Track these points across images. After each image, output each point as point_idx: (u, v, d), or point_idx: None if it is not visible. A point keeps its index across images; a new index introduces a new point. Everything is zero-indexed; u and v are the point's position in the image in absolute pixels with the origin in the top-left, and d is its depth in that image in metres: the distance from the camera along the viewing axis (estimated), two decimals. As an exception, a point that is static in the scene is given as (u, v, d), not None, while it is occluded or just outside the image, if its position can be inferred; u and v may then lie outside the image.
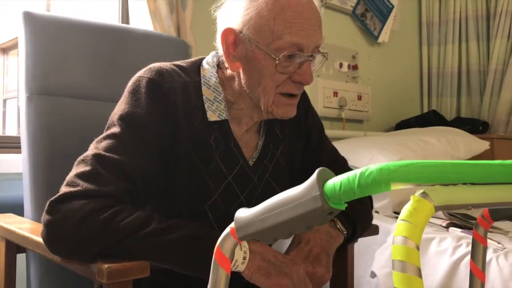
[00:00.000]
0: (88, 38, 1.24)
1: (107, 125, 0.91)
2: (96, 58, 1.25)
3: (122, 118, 0.88)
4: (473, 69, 3.02)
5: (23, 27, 1.16)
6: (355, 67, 2.66)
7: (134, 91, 0.91)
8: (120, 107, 0.91)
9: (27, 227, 0.99)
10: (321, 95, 2.43)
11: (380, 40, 2.78)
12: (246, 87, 0.92)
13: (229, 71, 0.95)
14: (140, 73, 0.94)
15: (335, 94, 2.50)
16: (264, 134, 1.02)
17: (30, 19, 1.16)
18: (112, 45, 1.28)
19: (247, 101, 0.95)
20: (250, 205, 0.53)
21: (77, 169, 0.83)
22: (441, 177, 0.42)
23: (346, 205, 0.45)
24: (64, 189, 0.81)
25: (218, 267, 0.53)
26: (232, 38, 0.91)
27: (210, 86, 0.95)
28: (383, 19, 2.77)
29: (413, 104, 3.16)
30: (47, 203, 0.79)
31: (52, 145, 1.15)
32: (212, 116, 0.93)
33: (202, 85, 0.95)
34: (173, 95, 0.90)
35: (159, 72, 0.92)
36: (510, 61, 2.83)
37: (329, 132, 2.44)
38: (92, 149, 0.86)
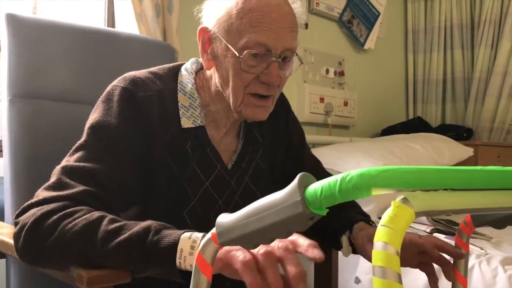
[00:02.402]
0: (72, 41, 1.23)
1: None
2: (80, 61, 1.24)
3: (92, 127, 0.89)
4: (457, 77, 3.05)
5: (5, 29, 1.14)
6: (341, 73, 2.67)
7: (107, 100, 0.91)
8: (92, 116, 0.91)
9: (7, 232, 0.97)
10: (307, 101, 2.44)
11: (366, 46, 2.81)
12: (219, 86, 0.94)
13: (208, 72, 0.96)
14: (114, 82, 0.94)
15: (322, 100, 2.51)
16: (244, 137, 1.02)
17: (13, 22, 1.14)
18: (97, 48, 1.27)
19: (223, 101, 0.95)
20: (229, 209, 0.53)
21: (45, 184, 0.84)
22: (421, 183, 0.42)
23: (327, 210, 0.44)
24: (26, 203, 0.81)
25: (199, 273, 0.52)
26: (207, 37, 0.92)
27: (186, 92, 0.96)
28: (370, 26, 2.79)
29: (399, 111, 3.18)
30: (17, 214, 0.80)
31: (35, 149, 1.13)
32: (186, 123, 0.94)
33: (178, 91, 0.96)
34: (147, 104, 0.91)
35: (133, 81, 0.92)
36: (494, 69, 2.87)
37: (315, 137, 2.48)
38: (62, 162, 0.87)
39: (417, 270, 1.38)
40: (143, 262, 0.72)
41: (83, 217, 0.75)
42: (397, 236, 0.40)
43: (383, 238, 0.39)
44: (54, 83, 1.19)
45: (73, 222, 0.74)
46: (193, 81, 0.97)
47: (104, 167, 0.84)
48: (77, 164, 0.84)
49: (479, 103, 2.95)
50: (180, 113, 0.94)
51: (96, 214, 0.76)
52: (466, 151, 2.41)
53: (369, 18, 2.78)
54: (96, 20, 1.78)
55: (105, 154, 0.86)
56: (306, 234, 0.62)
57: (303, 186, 0.44)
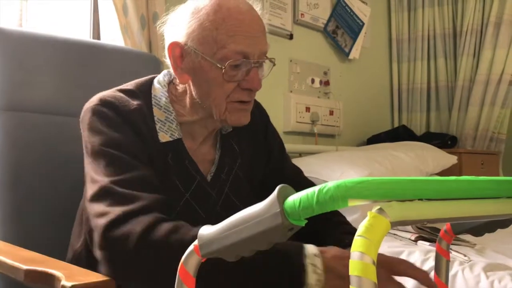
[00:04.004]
0: (57, 53, 1.23)
1: (91, 158, 0.88)
2: (66, 73, 1.24)
3: (105, 145, 0.87)
4: (441, 85, 3.10)
5: (-10, 42, 1.14)
6: (327, 83, 2.70)
7: (99, 119, 0.89)
8: (95, 138, 0.89)
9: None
10: (293, 110, 2.46)
11: (351, 56, 2.84)
12: (197, 98, 0.93)
13: (181, 85, 0.96)
14: (91, 103, 0.92)
15: (308, 109, 2.53)
16: (220, 148, 1.03)
17: (-3, 34, 1.15)
18: (82, 61, 1.27)
19: (200, 112, 0.95)
20: (211, 220, 0.53)
21: (97, 205, 0.81)
22: (396, 194, 0.43)
23: (306, 221, 0.45)
24: (100, 221, 0.79)
25: (182, 285, 0.53)
26: (178, 51, 0.92)
27: (161, 106, 0.95)
28: (354, 36, 2.83)
29: (384, 119, 3.22)
30: (100, 235, 0.78)
31: (19, 161, 1.13)
32: (163, 137, 0.94)
33: (153, 106, 0.95)
34: (132, 116, 0.91)
35: (112, 97, 0.92)
36: (476, 78, 2.92)
37: (301, 146, 2.50)
38: (96, 185, 0.83)
39: (402, 278, 1.39)
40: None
41: (191, 233, 0.74)
42: (373, 246, 0.41)
43: (359, 248, 0.40)
44: (38, 96, 1.19)
45: (185, 238, 0.73)
46: (167, 94, 0.96)
47: (143, 171, 0.85)
48: (122, 176, 0.82)
49: (463, 111, 2.99)
50: (157, 127, 0.93)
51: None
52: (450, 159, 2.44)
53: (354, 28, 2.82)
54: (81, 32, 1.78)
55: (134, 161, 0.86)
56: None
57: (282, 197, 0.45)
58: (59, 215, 1.15)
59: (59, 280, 0.75)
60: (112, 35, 1.62)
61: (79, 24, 1.79)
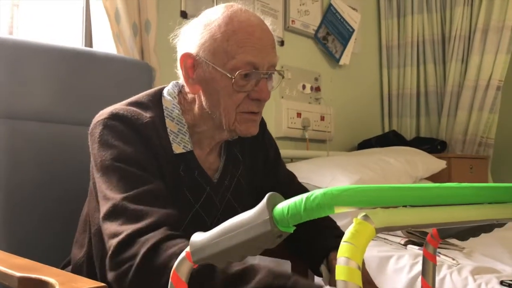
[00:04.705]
0: (49, 61, 1.24)
1: (101, 173, 0.88)
2: (59, 81, 1.25)
3: (116, 160, 0.87)
4: (431, 91, 3.14)
5: (-18, 50, 1.15)
6: (318, 89, 2.72)
7: (110, 133, 0.90)
8: (106, 152, 0.89)
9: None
10: (285, 116, 2.48)
11: (341, 62, 2.87)
12: (207, 108, 0.95)
13: (190, 95, 0.98)
14: (104, 116, 0.92)
15: (299, 115, 2.55)
16: (225, 155, 1.05)
17: (-10, 43, 1.15)
18: (75, 69, 1.28)
19: (209, 122, 0.97)
20: (213, 226, 0.54)
21: (111, 223, 0.82)
22: (380, 201, 0.45)
23: (295, 228, 0.47)
24: (112, 241, 0.80)
25: (174, 290, 0.54)
26: (190, 62, 0.94)
27: (174, 118, 0.97)
28: (344, 42, 2.86)
29: (374, 124, 3.25)
30: (109, 258, 0.79)
31: (13, 169, 1.13)
32: (177, 149, 0.95)
33: (165, 117, 0.96)
34: (145, 130, 0.91)
35: (125, 111, 0.92)
36: (465, 83, 2.96)
37: (293, 152, 2.51)
38: (109, 202, 0.84)
39: (392, 282, 1.41)
40: None
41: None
42: (358, 251, 0.42)
43: (345, 254, 0.42)
44: (32, 104, 1.20)
45: None
46: (178, 105, 0.98)
47: (156, 185, 0.86)
48: (134, 191, 0.83)
49: (452, 116, 3.03)
50: (170, 138, 0.95)
51: None
52: (439, 164, 2.47)
53: (344, 34, 2.85)
54: (74, 40, 1.79)
55: (146, 175, 0.87)
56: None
57: (271, 205, 0.47)
58: (53, 222, 1.16)
59: (53, 286, 0.76)
60: (105, 43, 1.63)
61: (71, 32, 1.80)
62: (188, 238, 0.76)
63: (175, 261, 0.73)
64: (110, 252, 0.80)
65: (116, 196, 0.84)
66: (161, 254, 0.75)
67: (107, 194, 0.86)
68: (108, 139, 0.89)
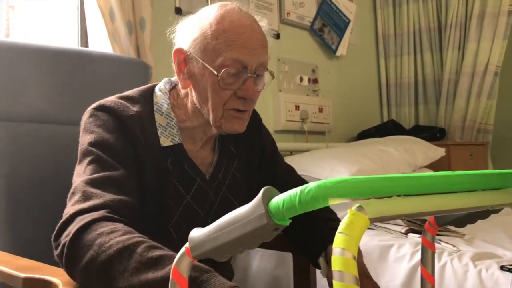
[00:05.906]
0: (44, 62, 1.25)
1: (79, 158, 0.93)
2: (54, 82, 1.26)
3: (93, 145, 0.91)
4: (428, 79, 3.14)
5: (-22, 54, 1.15)
6: (315, 81, 2.72)
7: (94, 121, 0.94)
8: (86, 137, 0.93)
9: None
10: (283, 109, 2.48)
11: (338, 53, 2.87)
12: (197, 104, 0.98)
13: (183, 91, 1.00)
14: (93, 106, 0.97)
15: (297, 107, 2.56)
16: (219, 150, 1.07)
17: (-15, 46, 1.16)
18: (71, 69, 1.29)
19: (200, 117, 0.99)
20: (209, 219, 0.55)
21: (69, 203, 0.85)
22: (373, 191, 0.46)
23: (290, 221, 0.48)
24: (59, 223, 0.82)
25: (175, 286, 0.55)
26: (182, 57, 0.97)
27: (163, 112, 0.99)
28: (340, 33, 2.85)
29: (373, 114, 3.25)
30: (53, 237, 0.81)
31: (11, 170, 1.14)
32: (165, 142, 0.97)
33: (155, 112, 0.99)
34: (130, 123, 0.94)
35: (111, 102, 0.96)
36: (462, 70, 2.96)
37: (292, 145, 2.52)
38: (77, 179, 0.88)
39: (392, 270, 1.42)
40: None
41: (119, 238, 0.74)
42: (353, 242, 0.43)
43: (340, 244, 0.43)
44: (29, 105, 1.21)
45: (109, 244, 0.74)
46: (168, 100, 1.01)
47: (120, 173, 0.88)
48: (96, 175, 0.86)
49: (450, 104, 3.03)
50: (159, 132, 0.97)
51: (134, 238, 0.74)
52: (438, 152, 2.48)
53: (340, 25, 2.85)
54: (69, 40, 1.80)
55: (115, 163, 0.89)
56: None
57: (266, 199, 0.47)
58: (53, 223, 1.16)
59: (56, 286, 0.77)
60: (100, 42, 1.63)
61: (66, 32, 1.80)
62: (130, 225, 0.79)
63: (101, 240, 0.75)
64: (54, 232, 0.81)
65: (78, 179, 0.87)
66: (90, 232, 0.76)
67: (74, 178, 0.90)
68: (90, 126, 0.94)
